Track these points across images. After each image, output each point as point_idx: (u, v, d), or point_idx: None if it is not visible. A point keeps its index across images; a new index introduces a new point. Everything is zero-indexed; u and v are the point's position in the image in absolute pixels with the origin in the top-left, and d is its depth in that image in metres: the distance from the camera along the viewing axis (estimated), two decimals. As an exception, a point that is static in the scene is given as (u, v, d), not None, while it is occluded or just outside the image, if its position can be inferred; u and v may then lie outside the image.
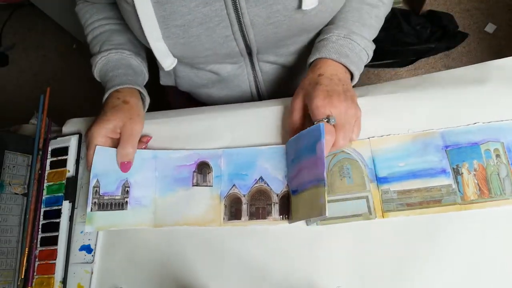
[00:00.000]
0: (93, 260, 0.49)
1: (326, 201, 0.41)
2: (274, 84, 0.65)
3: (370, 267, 0.45)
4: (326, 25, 0.52)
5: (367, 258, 0.45)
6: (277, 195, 0.49)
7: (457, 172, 0.46)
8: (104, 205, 0.49)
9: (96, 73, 0.55)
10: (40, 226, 0.52)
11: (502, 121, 0.47)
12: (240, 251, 0.48)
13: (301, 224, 0.47)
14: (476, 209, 0.45)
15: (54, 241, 0.50)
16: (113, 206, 0.49)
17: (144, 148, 0.52)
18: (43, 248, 0.50)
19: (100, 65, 0.54)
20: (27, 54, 1.67)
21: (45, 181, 0.54)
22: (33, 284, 0.49)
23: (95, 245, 0.50)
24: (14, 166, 0.53)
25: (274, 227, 0.48)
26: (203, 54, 0.53)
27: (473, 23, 1.43)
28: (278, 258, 0.47)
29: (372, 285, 0.44)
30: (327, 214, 0.40)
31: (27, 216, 0.51)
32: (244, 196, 0.49)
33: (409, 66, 1.41)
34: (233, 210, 0.49)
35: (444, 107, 0.49)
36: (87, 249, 0.50)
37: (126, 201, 0.50)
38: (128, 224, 0.49)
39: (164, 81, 0.66)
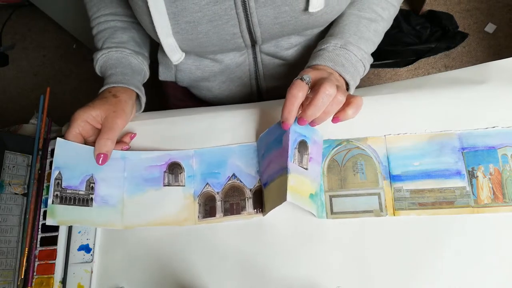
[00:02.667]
0: (92, 260, 0.49)
1: (287, 187, 0.42)
2: (273, 78, 0.65)
3: (373, 266, 0.45)
4: (324, 37, 0.53)
5: (369, 257, 0.45)
6: (250, 190, 0.49)
7: (472, 175, 0.46)
8: (67, 199, 0.47)
9: (97, 69, 0.57)
10: (40, 226, 0.52)
11: None
12: (240, 250, 0.48)
13: (301, 223, 0.47)
14: (489, 213, 0.44)
15: (53, 241, 0.50)
16: (76, 201, 0.48)
17: (127, 149, 0.53)
18: (43, 248, 0.51)
19: (101, 62, 0.56)
20: (27, 54, 1.67)
21: (45, 181, 0.54)
22: (33, 284, 0.49)
23: (94, 244, 0.50)
24: (14, 166, 0.53)
25: (273, 227, 0.48)
26: (210, 49, 0.54)
27: (473, 23, 1.43)
28: (278, 257, 0.47)
29: (374, 285, 0.44)
30: (288, 199, 0.42)
31: (27, 216, 0.51)
32: (217, 194, 0.50)
33: (409, 66, 1.41)
34: (208, 208, 0.49)
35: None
36: (86, 248, 0.50)
37: (91, 198, 0.49)
38: (94, 222, 0.49)
39: (163, 76, 0.67)
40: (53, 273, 0.49)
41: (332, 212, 0.47)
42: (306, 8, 0.47)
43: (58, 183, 0.47)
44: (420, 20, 1.39)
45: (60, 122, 0.60)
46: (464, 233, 0.44)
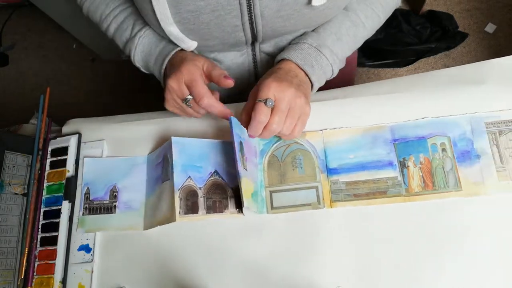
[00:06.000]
0: (92, 259, 0.50)
1: (242, 193, 0.43)
2: None
3: (371, 266, 0.45)
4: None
5: (368, 257, 0.45)
6: (232, 189, 0.49)
7: (403, 165, 0.48)
8: (93, 209, 0.52)
9: (138, 54, 0.54)
10: (40, 226, 0.52)
11: (450, 116, 0.49)
12: (240, 250, 0.48)
13: (301, 223, 0.47)
14: (420, 201, 0.46)
15: (53, 241, 0.50)
16: (101, 210, 0.52)
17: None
18: (43, 248, 0.51)
19: (141, 45, 0.54)
20: (27, 54, 1.67)
21: (45, 181, 0.54)
22: (33, 284, 0.49)
23: (94, 244, 0.50)
24: (14, 166, 0.53)
25: (274, 227, 0.48)
26: (211, 43, 0.53)
27: (473, 23, 1.43)
28: (278, 257, 0.47)
29: (372, 282, 0.44)
30: (245, 205, 0.43)
31: (27, 216, 0.51)
32: (200, 189, 0.48)
33: (409, 66, 1.41)
34: (189, 204, 0.47)
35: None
36: (86, 248, 0.50)
37: (115, 205, 0.52)
38: (115, 227, 0.50)
39: None
40: (53, 273, 0.49)
41: (272, 207, 0.48)
42: (309, 2, 0.47)
43: (87, 197, 0.53)
44: (420, 20, 1.39)
45: (60, 122, 0.60)
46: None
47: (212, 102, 0.47)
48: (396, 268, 0.44)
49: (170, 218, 0.46)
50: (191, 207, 0.47)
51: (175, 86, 0.48)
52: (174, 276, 0.48)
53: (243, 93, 0.67)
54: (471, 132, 0.48)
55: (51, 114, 0.58)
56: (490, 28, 1.42)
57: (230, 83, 0.49)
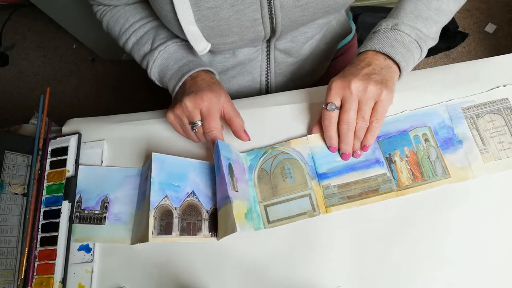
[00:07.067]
0: (92, 259, 0.50)
1: (234, 218, 0.42)
2: (282, 75, 0.65)
3: (371, 267, 0.45)
4: (343, 31, 0.52)
5: (369, 256, 0.45)
6: (207, 212, 0.48)
7: (390, 161, 0.48)
8: (84, 219, 0.52)
9: (155, 68, 0.54)
10: (39, 226, 0.52)
11: (426, 106, 0.50)
12: (240, 251, 0.48)
13: (300, 223, 0.47)
14: (411, 193, 0.47)
15: (53, 241, 0.50)
16: (91, 220, 0.52)
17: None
18: (43, 248, 0.50)
19: (160, 59, 0.53)
20: (27, 54, 1.67)
21: (45, 181, 0.54)
22: (33, 284, 0.49)
23: (94, 244, 0.50)
24: (14, 166, 0.53)
25: (274, 228, 0.48)
26: (229, 40, 0.52)
27: (473, 23, 1.43)
28: (278, 258, 0.47)
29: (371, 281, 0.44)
30: (238, 230, 0.41)
31: (27, 216, 0.51)
32: (175, 209, 0.46)
33: (409, 66, 1.41)
34: (163, 224, 0.45)
35: None
36: (86, 248, 0.50)
37: (105, 216, 0.51)
38: (103, 238, 0.50)
39: None
40: (53, 273, 0.49)
41: (268, 222, 0.48)
42: None
43: (78, 205, 0.53)
44: (420, 20, 1.39)
45: (60, 122, 0.60)
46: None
47: (219, 139, 0.47)
48: (398, 265, 0.45)
49: (144, 238, 0.44)
50: (164, 228, 0.45)
51: (189, 107, 0.47)
52: (174, 276, 0.48)
53: (252, 87, 0.67)
54: (449, 119, 0.49)
55: (51, 114, 0.58)
56: (490, 28, 1.41)
57: (247, 139, 0.50)
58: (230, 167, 0.46)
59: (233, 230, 0.42)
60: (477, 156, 0.47)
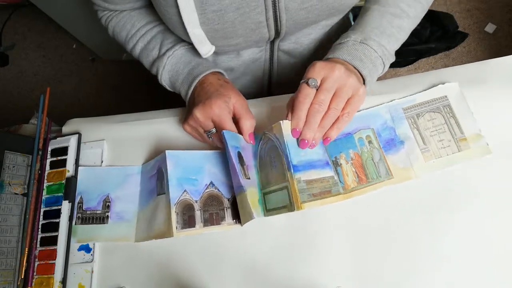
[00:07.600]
0: (92, 259, 0.50)
1: (250, 206, 0.42)
2: (285, 75, 0.65)
3: (371, 267, 0.45)
4: (346, 32, 0.52)
5: (368, 258, 0.45)
6: (228, 200, 0.48)
7: (336, 164, 0.48)
8: (86, 219, 0.52)
9: (166, 73, 0.54)
10: (40, 226, 0.52)
11: (369, 108, 0.50)
12: (240, 251, 0.48)
13: (300, 223, 0.47)
14: (357, 195, 0.46)
15: (53, 241, 0.50)
16: (94, 220, 0.52)
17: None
18: (43, 248, 0.50)
19: (170, 64, 0.53)
20: (27, 54, 1.67)
21: (45, 181, 0.54)
22: (33, 284, 0.49)
23: (94, 244, 0.50)
24: (14, 166, 0.53)
25: (274, 227, 0.48)
26: (234, 42, 0.52)
27: (473, 23, 1.43)
28: (278, 258, 0.47)
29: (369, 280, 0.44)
30: (254, 217, 0.42)
31: (27, 216, 0.51)
32: (196, 202, 0.47)
33: (409, 66, 1.41)
34: (186, 218, 0.46)
35: None
36: (86, 248, 0.50)
37: (107, 215, 0.51)
38: (106, 237, 0.50)
39: None
40: (53, 273, 0.49)
41: (266, 210, 0.46)
42: None
43: (80, 206, 0.52)
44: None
45: (60, 122, 0.60)
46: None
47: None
48: (398, 265, 0.45)
49: (167, 233, 0.45)
50: (188, 221, 0.46)
51: (200, 118, 0.47)
52: (174, 276, 0.48)
53: (255, 87, 0.68)
54: (391, 120, 0.50)
55: (51, 114, 0.58)
56: (490, 28, 1.42)
57: (250, 143, 0.49)
58: (239, 155, 0.46)
59: (251, 217, 0.42)
60: (418, 156, 0.48)
